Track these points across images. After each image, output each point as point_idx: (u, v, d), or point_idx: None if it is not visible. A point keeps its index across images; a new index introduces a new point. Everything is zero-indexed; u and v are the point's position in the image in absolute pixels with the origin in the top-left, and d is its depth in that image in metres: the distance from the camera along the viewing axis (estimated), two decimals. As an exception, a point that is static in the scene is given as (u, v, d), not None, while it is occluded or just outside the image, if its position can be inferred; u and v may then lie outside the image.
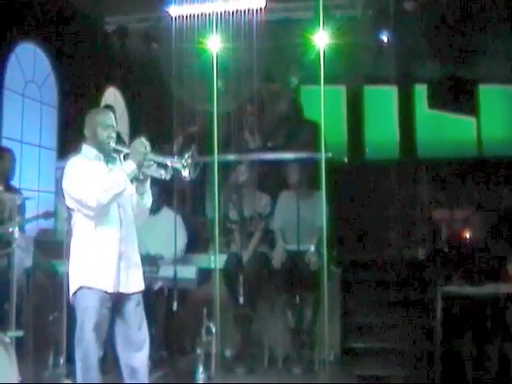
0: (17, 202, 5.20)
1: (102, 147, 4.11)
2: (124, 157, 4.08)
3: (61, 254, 5.36)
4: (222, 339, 5.58)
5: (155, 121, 8.98)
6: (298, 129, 8.20)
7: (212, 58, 6.27)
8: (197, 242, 6.78)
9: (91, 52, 8.86)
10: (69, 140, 8.51)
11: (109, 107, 9.04)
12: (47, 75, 8.55)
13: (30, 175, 8.00)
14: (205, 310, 5.66)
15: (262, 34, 8.04)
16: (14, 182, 6.65)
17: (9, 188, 6.10)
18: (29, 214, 6.25)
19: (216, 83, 6.01)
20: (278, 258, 6.41)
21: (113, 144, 4.11)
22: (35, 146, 8.34)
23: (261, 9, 8.06)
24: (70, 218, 4.20)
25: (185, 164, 3.98)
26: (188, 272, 5.98)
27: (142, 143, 4.02)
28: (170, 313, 5.88)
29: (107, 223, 4.02)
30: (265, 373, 6.22)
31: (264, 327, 6.47)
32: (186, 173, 3.99)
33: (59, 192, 7.98)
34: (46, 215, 6.17)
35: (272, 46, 8.62)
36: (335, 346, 6.20)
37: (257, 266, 6.37)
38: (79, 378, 3.95)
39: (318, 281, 5.95)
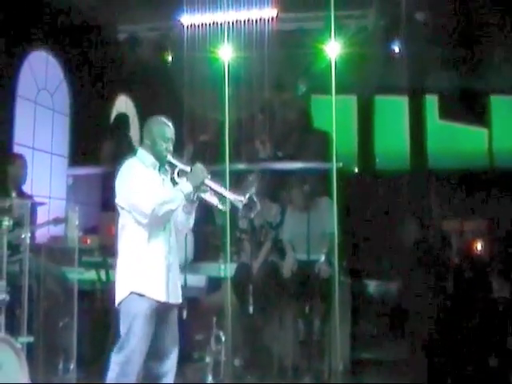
0: (28, 209, 5.21)
1: (158, 157, 4.14)
2: (178, 173, 4.13)
3: (71, 261, 5.39)
4: (231, 348, 5.59)
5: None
6: (308, 138, 8.21)
7: (223, 66, 6.30)
8: (206, 251, 6.79)
9: (103, 60, 8.91)
10: (80, 147, 8.58)
11: (123, 115, 9.14)
12: (59, 83, 8.60)
13: (41, 182, 8.03)
14: (214, 319, 5.67)
15: (274, 44, 8.08)
16: (26, 189, 6.68)
17: (21, 194, 6.12)
18: (40, 221, 6.28)
19: (227, 92, 6.04)
20: (288, 267, 6.40)
21: (170, 157, 4.14)
22: (47, 153, 8.38)
23: (272, 18, 8.10)
24: (117, 218, 4.17)
25: (244, 203, 4.00)
26: (197, 280, 5.99)
27: (203, 169, 4.07)
28: (180, 321, 5.87)
29: (159, 233, 4.05)
30: (274, 382, 6.21)
31: (273, 336, 6.46)
32: (242, 211, 4.05)
33: (70, 199, 8.12)
34: (57, 221, 6.20)
35: (283, 55, 8.64)
36: (344, 357, 6.19)
37: (266, 276, 6.37)
38: (111, 381, 3.93)
39: (327, 291, 5.95)
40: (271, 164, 7.61)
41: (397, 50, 8.82)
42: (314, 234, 6.34)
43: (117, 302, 4.03)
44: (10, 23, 7.12)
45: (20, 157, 6.57)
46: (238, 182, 7.03)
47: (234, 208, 4.15)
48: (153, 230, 4.01)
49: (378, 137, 9.73)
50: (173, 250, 4.14)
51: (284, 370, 6.38)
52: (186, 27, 8.24)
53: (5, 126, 7.30)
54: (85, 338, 5.52)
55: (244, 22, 7.91)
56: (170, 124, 4.24)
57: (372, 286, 7.19)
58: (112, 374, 3.93)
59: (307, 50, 8.21)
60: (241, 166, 7.38)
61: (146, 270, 4.00)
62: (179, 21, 8.34)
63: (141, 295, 3.94)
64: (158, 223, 4.00)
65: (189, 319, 5.74)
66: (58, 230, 6.80)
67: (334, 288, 5.54)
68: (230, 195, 4.06)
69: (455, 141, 9.66)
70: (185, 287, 5.66)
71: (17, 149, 7.35)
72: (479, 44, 8.57)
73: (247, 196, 4.00)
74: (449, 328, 6.30)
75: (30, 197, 6.48)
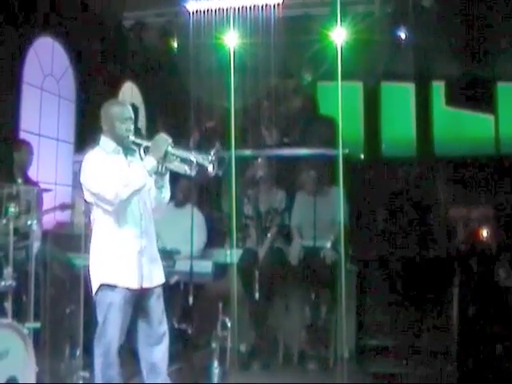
0: (35, 195, 5.22)
1: (120, 140, 4.07)
2: (144, 150, 4.04)
3: (78, 247, 5.40)
4: (237, 334, 5.60)
5: (172, 116, 8.98)
6: (314, 125, 8.19)
7: (229, 53, 6.28)
8: (213, 237, 6.80)
9: (109, 46, 8.89)
10: (86, 134, 8.58)
11: (132, 105, 9.12)
12: (65, 69, 8.58)
13: (47, 168, 8.04)
14: (220, 305, 5.68)
15: (280, 30, 8.04)
16: (32, 175, 6.69)
17: (27, 181, 6.13)
18: (46, 207, 6.30)
19: (233, 78, 6.02)
20: (294, 254, 6.40)
21: (132, 137, 4.07)
22: (53, 139, 8.38)
23: (278, 4, 8.05)
24: (88, 213, 4.19)
25: (210, 160, 3.88)
26: (204, 266, 6.00)
27: (164, 139, 3.97)
28: (186, 307, 5.89)
29: (127, 218, 4.00)
30: (279, 369, 6.23)
31: (279, 323, 6.48)
32: (211, 168, 3.90)
33: (77, 185, 8.10)
34: (63, 207, 6.21)
35: (289, 41, 8.60)
36: (350, 343, 6.20)
37: (272, 262, 6.37)
38: (98, 374, 3.95)
39: (334, 278, 5.95)
40: (277, 150, 7.60)
41: (403, 36, 8.78)
42: (321, 221, 6.33)
43: (93, 293, 4.04)
44: (15, 10, 7.10)
45: (25, 143, 6.57)
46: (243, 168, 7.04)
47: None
48: (118, 216, 3.96)
49: (385, 123, 9.70)
50: (146, 233, 4.07)
51: (289, 356, 6.40)
52: (191, 13, 8.20)
53: (11, 113, 7.29)
54: (91, 324, 5.53)
55: (250, 8, 7.87)
56: (125, 104, 4.22)
57: (378, 273, 7.18)
58: (97, 366, 3.95)
59: (313, 37, 8.18)
60: (247, 153, 7.37)
61: (115, 260, 3.97)
62: (185, 7, 8.31)
63: (110, 286, 3.93)
64: (123, 206, 3.95)
65: (195, 305, 5.76)
66: (64, 216, 6.83)
67: (341, 275, 5.54)
68: (195, 157, 3.92)
69: (462, 127, 9.62)
70: (191, 273, 5.70)
71: (23, 135, 7.35)
72: (486, 30, 8.52)
73: (212, 153, 3.89)
74: (456, 315, 6.30)
75: (37, 183, 6.49)
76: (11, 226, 4.72)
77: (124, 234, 4.00)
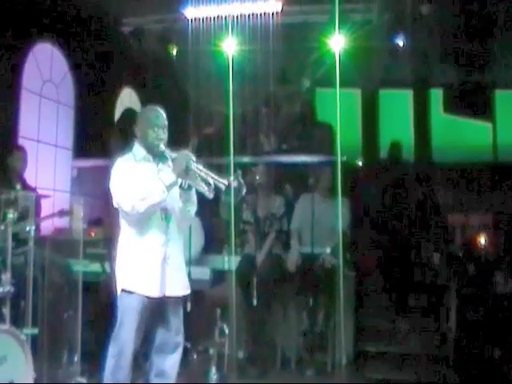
0: (33, 201, 5.22)
1: (150, 148, 4.03)
2: (173, 161, 3.97)
3: (76, 253, 5.41)
4: (235, 340, 5.60)
5: (171, 122, 8.99)
6: (312, 131, 8.21)
7: (228, 60, 6.30)
8: (211, 243, 6.80)
9: (108, 52, 8.91)
10: (85, 140, 8.59)
11: (131, 111, 9.14)
12: (64, 75, 8.60)
13: (46, 174, 8.05)
14: (218, 311, 5.68)
15: (278, 37, 8.07)
16: (31, 181, 6.69)
17: (25, 186, 6.14)
18: (45, 213, 6.29)
19: (232, 85, 6.03)
20: (292, 260, 6.40)
21: (162, 147, 3.99)
22: (52, 145, 8.39)
23: (277, 12, 8.09)
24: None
25: (226, 185, 3.80)
26: (202, 273, 6.00)
27: (185, 155, 3.91)
28: (184, 313, 5.88)
29: (152, 226, 3.97)
30: (277, 374, 6.22)
31: (277, 329, 6.47)
32: (224, 197, 3.88)
33: (75, 191, 8.13)
34: (62, 214, 6.20)
35: (288, 49, 8.63)
36: (348, 349, 6.20)
37: (270, 268, 6.37)
38: (108, 374, 3.95)
39: (332, 284, 5.96)
40: (276, 157, 7.62)
41: (401, 43, 8.81)
42: (321, 227, 6.34)
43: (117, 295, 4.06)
44: (14, 15, 7.12)
45: (19, 148, 6.57)
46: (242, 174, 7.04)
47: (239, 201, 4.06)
48: (141, 226, 3.95)
49: (383, 130, 9.73)
50: (172, 241, 4.03)
51: (287, 362, 6.40)
52: (190, 20, 8.24)
53: (10, 119, 7.31)
54: (89, 330, 5.52)
55: (248, 15, 7.90)
56: (160, 111, 4.11)
57: (375, 278, 7.19)
58: (108, 366, 3.95)
59: (312, 44, 8.21)
60: (245, 159, 7.38)
61: (136, 267, 3.95)
62: (184, 14, 8.34)
63: (130, 292, 3.93)
64: (143, 218, 3.92)
65: (193, 311, 5.76)
66: (62, 222, 6.83)
67: (339, 281, 5.54)
68: (213, 179, 3.84)
69: (459, 134, 9.65)
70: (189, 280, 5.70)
71: (22, 141, 7.36)
72: (484, 37, 8.55)
73: (231, 178, 3.80)
74: (454, 321, 6.31)
75: (35, 189, 6.49)
76: (9, 232, 4.72)
77: (148, 242, 3.98)
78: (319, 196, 6.58)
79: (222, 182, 3.81)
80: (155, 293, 3.94)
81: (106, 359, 3.98)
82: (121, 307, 3.97)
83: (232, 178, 3.80)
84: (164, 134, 4.02)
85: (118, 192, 3.93)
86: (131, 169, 3.99)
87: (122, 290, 3.97)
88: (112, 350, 3.95)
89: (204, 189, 3.94)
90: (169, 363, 4.09)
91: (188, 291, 4.15)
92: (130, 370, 3.96)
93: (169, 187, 3.88)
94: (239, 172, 3.92)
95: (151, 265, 3.96)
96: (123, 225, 4.04)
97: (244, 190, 3.88)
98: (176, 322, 4.08)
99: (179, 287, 4.08)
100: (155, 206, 3.89)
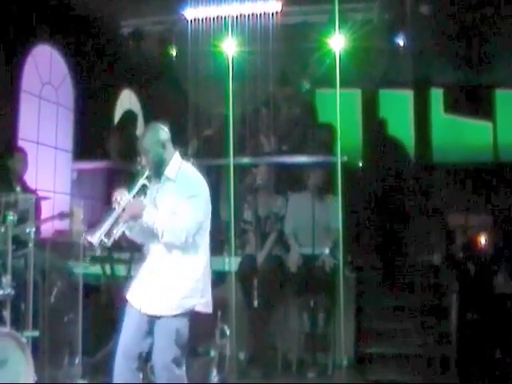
0: (33, 203, 5.21)
1: None
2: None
3: (76, 256, 5.40)
4: (236, 342, 5.58)
5: (170, 123, 8.98)
6: (312, 132, 8.20)
7: (227, 61, 6.29)
8: (211, 244, 6.77)
9: (107, 54, 8.90)
10: (84, 142, 8.58)
11: (131, 113, 9.15)
12: (64, 77, 8.59)
13: (45, 177, 8.03)
14: (219, 313, 5.66)
15: (278, 38, 8.05)
16: (30, 183, 6.68)
17: (25, 189, 6.13)
18: (45, 215, 6.28)
19: (231, 86, 6.02)
20: (292, 262, 6.39)
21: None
22: (51, 147, 8.38)
23: (277, 12, 8.07)
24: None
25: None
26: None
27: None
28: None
29: (152, 245, 4.04)
30: (278, 376, 6.21)
31: (278, 330, 6.46)
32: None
33: (75, 193, 8.12)
34: (62, 216, 6.19)
35: (287, 49, 8.61)
36: (349, 351, 6.18)
37: (271, 269, 6.36)
38: (115, 376, 3.93)
39: (332, 285, 5.95)
40: (276, 158, 7.60)
41: (402, 43, 8.80)
42: (317, 227, 6.33)
43: None
44: (13, 17, 7.11)
45: (19, 150, 6.57)
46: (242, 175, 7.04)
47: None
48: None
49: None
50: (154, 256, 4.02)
51: (288, 364, 6.39)
52: (190, 21, 8.22)
53: (9, 121, 7.30)
54: (90, 333, 5.51)
55: (248, 15, 7.89)
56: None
57: (376, 280, 7.17)
58: (115, 369, 3.93)
59: (312, 44, 8.19)
60: (245, 160, 7.37)
61: (136, 279, 4.07)
62: (183, 15, 8.32)
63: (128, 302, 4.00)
64: None
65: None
66: (62, 224, 6.82)
67: (339, 282, 5.53)
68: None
69: (460, 134, 9.64)
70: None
71: (21, 144, 7.34)
72: (484, 37, 8.54)
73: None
74: (455, 322, 6.30)
75: (35, 191, 6.49)
76: (9, 234, 4.71)
77: (150, 258, 4.05)
78: (311, 195, 6.57)
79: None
80: (140, 307, 3.96)
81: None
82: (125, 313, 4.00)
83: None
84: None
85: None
86: None
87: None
88: (118, 352, 3.94)
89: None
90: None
91: (170, 312, 3.93)
92: (135, 374, 3.93)
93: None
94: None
95: (139, 278, 4.04)
96: None
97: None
98: (159, 344, 3.91)
99: (156, 306, 3.94)
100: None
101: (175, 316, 3.90)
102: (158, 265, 3.98)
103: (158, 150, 3.99)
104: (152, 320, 3.94)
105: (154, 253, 4.00)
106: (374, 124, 8.76)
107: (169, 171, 4.01)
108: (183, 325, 3.93)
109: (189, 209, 3.92)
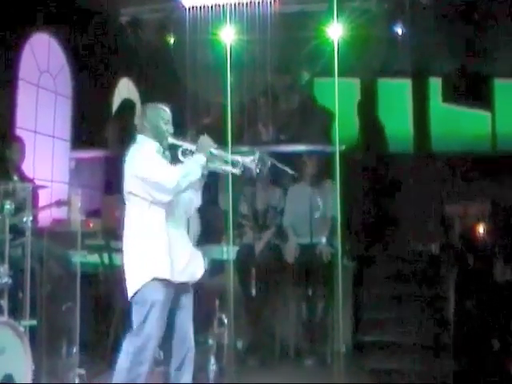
0: (30, 192, 5.20)
1: (161, 140, 4.12)
2: (182, 152, 4.11)
3: (74, 244, 5.39)
4: (234, 331, 5.60)
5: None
6: (310, 121, 8.19)
7: (226, 49, 6.26)
8: (209, 233, 6.79)
9: (105, 43, 8.87)
10: (82, 131, 8.57)
11: (129, 101, 9.13)
12: (62, 66, 8.56)
13: (43, 166, 8.02)
14: (217, 302, 5.68)
15: (276, 26, 8.03)
16: (28, 172, 6.67)
17: (22, 177, 6.12)
18: (42, 204, 6.28)
19: (229, 75, 6.01)
20: (290, 252, 6.39)
21: (171, 139, 4.13)
22: (49, 136, 8.36)
23: (275, 0, 8.04)
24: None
25: (255, 162, 4.05)
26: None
27: (208, 140, 4.11)
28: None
29: (175, 213, 4.07)
30: (276, 365, 6.23)
31: (276, 319, 6.48)
32: (254, 171, 4.09)
33: (73, 182, 8.11)
34: (59, 204, 6.19)
35: (286, 38, 8.59)
36: (347, 339, 6.20)
37: (269, 258, 6.37)
38: (123, 371, 3.88)
39: (330, 274, 5.96)
40: (274, 147, 7.59)
41: (400, 32, 8.78)
42: (317, 217, 6.34)
43: (133, 290, 3.96)
44: (11, 6, 7.08)
45: (17, 140, 6.55)
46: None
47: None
48: (169, 211, 4.01)
49: (381, 120, 9.69)
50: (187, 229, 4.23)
51: (286, 352, 6.41)
52: (187, 9, 8.19)
53: (7, 110, 7.28)
54: (88, 322, 5.52)
55: (246, 4, 7.86)
56: (166, 108, 4.24)
57: (374, 268, 7.18)
58: (125, 363, 3.88)
59: (310, 33, 8.16)
60: (243, 150, 7.35)
61: (167, 253, 3.97)
62: (181, 3, 8.29)
63: (160, 280, 3.90)
64: (173, 201, 4.02)
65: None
66: (60, 213, 6.82)
67: (337, 271, 5.54)
68: (240, 158, 4.10)
69: (458, 124, 9.62)
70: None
71: (19, 132, 7.33)
72: (483, 27, 8.52)
73: (257, 154, 4.06)
74: (453, 311, 6.31)
75: (32, 180, 6.48)
76: (7, 223, 4.71)
77: (174, 228, 4.05)
78: (306, 185, 6.58)
79: (250, 159, 4.06)
80: (184, 277, 4.03)
81: (122, 355, 3.91)
82: (148, 299, 3.89)
83: (258, 154, 4.06)
84: (171, 129, 4.17)
85: (158, 171, 3.95)
86: (158, 154, 4.09)
87: (154, 279, 3.90)
88: (131, 346, 3.88)
89: (229, 168, 4.17)
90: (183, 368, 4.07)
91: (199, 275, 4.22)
92: (150, 364, 3.93)
93: (202, 167, 4.05)
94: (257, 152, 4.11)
95: (179, 251, 4.04)
96: (145, 213, 4.00)
97: (268, 162, 4.27)
98: (189, 313, 4.13)
99: (200, 270, 4.20)
100: (193, 184, 4.05)
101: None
102: (183, 231, 4.15)
103: None
104: (178, 293, 4.03)
105: (177, 220, 4.08)
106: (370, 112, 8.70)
107: None
108: None
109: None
